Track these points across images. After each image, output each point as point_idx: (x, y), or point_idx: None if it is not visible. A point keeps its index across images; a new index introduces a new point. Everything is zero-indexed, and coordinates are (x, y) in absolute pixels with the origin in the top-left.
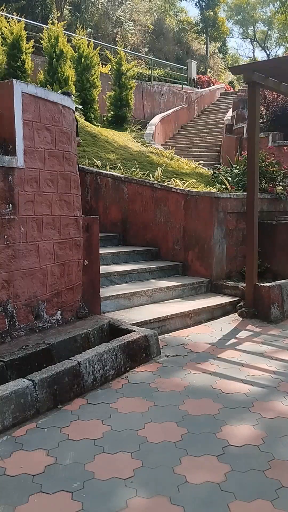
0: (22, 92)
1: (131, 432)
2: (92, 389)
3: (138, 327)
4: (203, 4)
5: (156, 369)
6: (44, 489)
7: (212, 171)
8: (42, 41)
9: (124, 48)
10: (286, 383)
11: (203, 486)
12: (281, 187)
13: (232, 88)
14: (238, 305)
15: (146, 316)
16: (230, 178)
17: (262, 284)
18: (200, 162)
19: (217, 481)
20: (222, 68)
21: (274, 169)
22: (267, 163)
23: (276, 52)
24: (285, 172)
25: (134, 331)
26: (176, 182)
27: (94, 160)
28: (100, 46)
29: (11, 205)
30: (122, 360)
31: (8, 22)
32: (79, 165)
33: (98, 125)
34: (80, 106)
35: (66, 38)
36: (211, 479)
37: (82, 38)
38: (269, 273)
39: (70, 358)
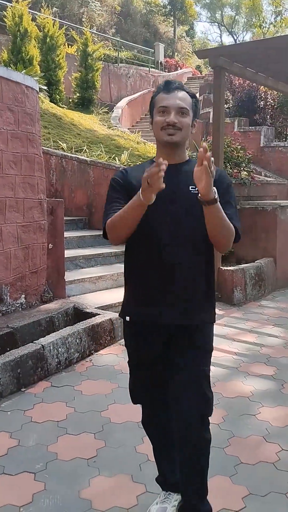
0: None
1: (94, 413)
2: (56, 372)
3: (103, 311)
4: None
5: (120, 352)
6: (7, 471)
7: None
8: (5, 19)
9: (90, 29)
10: (246, 364)
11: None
12: (245, 172)
13: (199, 73)
14: None
15: (111, 300)
16: None
17: (225, 268)
18: None
19: None
20: (189, 52)
21: (239, 154)
22: (232, 148)
23: (243, 37)
24: (250, 158)
25: (99, 314)
26: None
27: (59, 142)
28: (65, 26)
29: None
30: (86, 343)
31: None
32: (44, 148)
33: (63, 107)
34: (45, 87)
35: (31, 17)
36: None
37: (47, 17)
38: (233, 257)
39: (34, 341)
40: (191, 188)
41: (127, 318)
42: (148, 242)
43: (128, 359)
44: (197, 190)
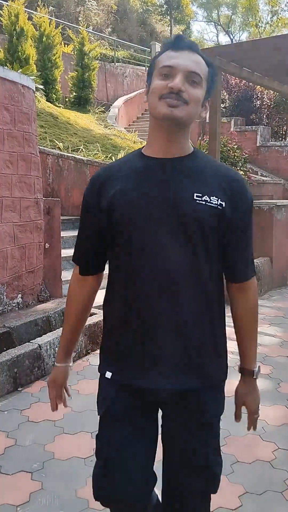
0: None
1: (91, 412)
2: None
3: (99, 310)
4: None
5: None
6: (4, 470)
7: None
8: (1, 18)
9: (87, 28)
10: None
11: (161, 462)
12: (242, 172)
13: None
14: None
15: None
16: None
17: None
18: None
19: None
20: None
21: (236, 154)
22: (228, 148)
23: (239, 37)
24: (246, 157)
25: (96, 314)
26: None
27: (56, 142)
28: (62, 25)
29: None
30: (83, 343)
31: None
32: (40, 147)
33: (60, 106)
34: (42, 86)
35: (27, 16)
36: None
37: (43, 16)
38: None
39: (31, 341)
40: (197, 196)
41: (108, 375)
42: (134, 280)
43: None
44: (205, 199)
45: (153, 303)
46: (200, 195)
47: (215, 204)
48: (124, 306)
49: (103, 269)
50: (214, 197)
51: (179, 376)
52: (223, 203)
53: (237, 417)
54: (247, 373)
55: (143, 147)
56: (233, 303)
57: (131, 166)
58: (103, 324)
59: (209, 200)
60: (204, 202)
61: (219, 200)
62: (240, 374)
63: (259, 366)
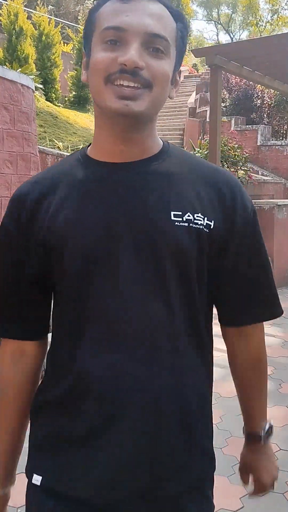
0: None
1: None
2: None
3: None
4: None
5: None
6: None
7: None
8: (1, 18)
9: None
10: None
11: None
12: (242, 171)
13: (196, 71)
14: None
15: None
16: None
17: None
18: None
19: None
20: (186, 51)
21: (236, 153)
22: (229, 147)
23: (240, 35)
24: (247, 157)
25: None
26: None
27: (55, 141)
28: (61, 24)
29: None
30: None
31: None
32: (40, 147)
33: (59, 106)
34: (41, 86)
35: (26, 15)
36: None
37: (43, 15)
38: None
39: None
40: (175, 215)
41: (36, 480)
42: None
43: None
44: (188, 219)
45: (117, 375)
46: (180, 213)
47: (200, 224)
48: (73, 378)
49: (48, 330)
50: (198, 215)
51: (149, 480)
52: (211, 222)
53: (244, 482)
54: (252, 437)
55: (87, 146)
56: (231, 349)
57: (75, 178)
58: (34, 399)
59: (192, 220)
60: (186, 224)
61: (206, 218)
62: (244, 436)
63: (269, 426)
